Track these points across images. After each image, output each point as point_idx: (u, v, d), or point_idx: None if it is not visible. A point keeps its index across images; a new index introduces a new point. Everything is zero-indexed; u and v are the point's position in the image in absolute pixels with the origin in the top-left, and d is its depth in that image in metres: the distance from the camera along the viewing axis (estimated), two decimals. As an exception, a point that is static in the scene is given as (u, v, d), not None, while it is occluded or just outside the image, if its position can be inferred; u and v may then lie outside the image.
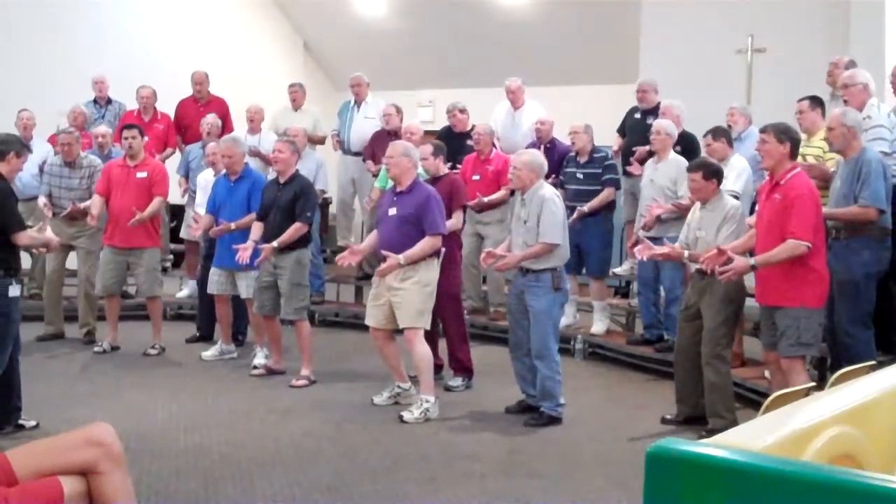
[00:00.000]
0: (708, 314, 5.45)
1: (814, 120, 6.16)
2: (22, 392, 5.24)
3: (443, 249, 6.00)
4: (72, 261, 8.04)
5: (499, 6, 11.73)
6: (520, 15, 11.64)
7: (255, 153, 8.59)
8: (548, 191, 5.74)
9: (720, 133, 6.50)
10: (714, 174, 5.58)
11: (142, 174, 7.45)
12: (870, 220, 5.35)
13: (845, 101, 5.96)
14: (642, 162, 7.44)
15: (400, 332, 5.91)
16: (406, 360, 6.09)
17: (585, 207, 7.46)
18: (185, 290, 9.14)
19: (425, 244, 5.78)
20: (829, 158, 5.90)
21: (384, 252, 5.81)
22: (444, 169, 6.66)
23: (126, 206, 7.33)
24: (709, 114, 7.21)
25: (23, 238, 5.09)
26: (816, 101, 6.27)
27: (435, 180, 6.42)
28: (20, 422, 5.22)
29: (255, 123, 9.01)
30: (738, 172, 6.33)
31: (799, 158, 5.47)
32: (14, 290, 5.02)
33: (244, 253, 6.58)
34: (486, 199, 7.70)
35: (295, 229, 6.54)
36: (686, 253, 5.60)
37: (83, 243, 7.76)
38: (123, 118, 9.37)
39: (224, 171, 7.27)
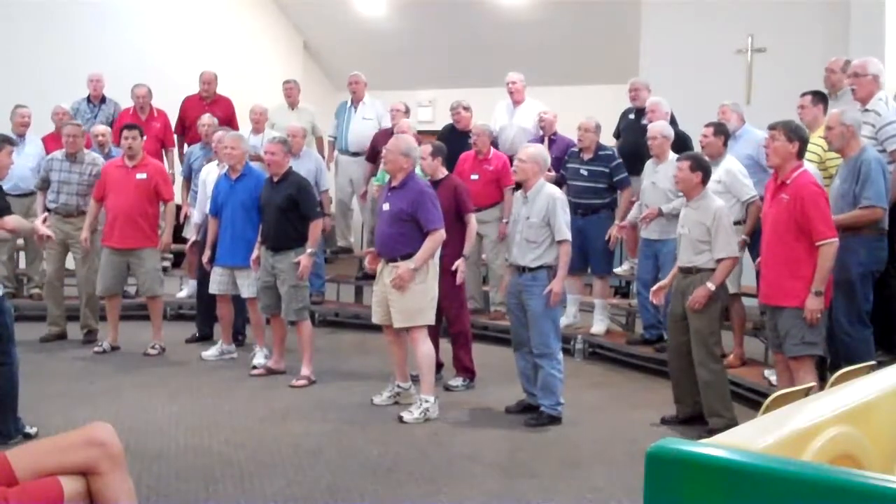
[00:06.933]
0: (694, 314, 5.46)
1: (815, 115, 6.13)
2: (20, 393, 5.12)
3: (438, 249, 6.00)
4: (68, 261, 8.04)
5: (499, 6, 11.74)
6: (520, 15, 11.65)
7: (257, 158, 8.50)
8: (554, 190, 5.78)
9: (720, 130, 6.40)
10: (700, 167, 5.50)
11: (141, 175, 7.44)
12: (876, 219, 5.34)
13: (853, 90, 5.92)
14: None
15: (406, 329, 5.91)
16: (409, 358, 6.09)
17: (626, 222, 7.32)
18: (185, 289, 9.12)
19: (430, 242, 5.76)
20: (829, 157, 5.89)
21: (393, 259, 5.78)
22: (442, 171, 6.53)
23: (125, 207, 7.34)
24: (708, 114, 7.20)
25: (7, 222, 4.97)
26: (819, 97, 6.23)
27: (435, 183, 6.41)
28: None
29: (259, 124, 8.93)
30: (744, 176, 6.27)
31: None
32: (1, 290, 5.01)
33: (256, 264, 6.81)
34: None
35: (313, 227, 6.59)
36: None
37: (80, 248, 7.65)
38: (120, 117, 9.32)
39: (226, 166, 7.23)
